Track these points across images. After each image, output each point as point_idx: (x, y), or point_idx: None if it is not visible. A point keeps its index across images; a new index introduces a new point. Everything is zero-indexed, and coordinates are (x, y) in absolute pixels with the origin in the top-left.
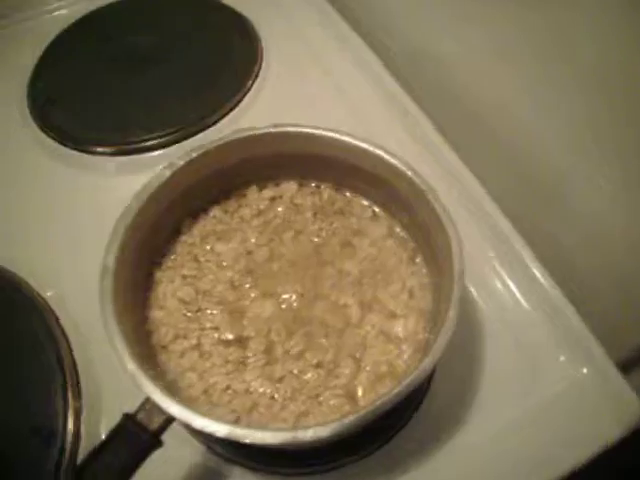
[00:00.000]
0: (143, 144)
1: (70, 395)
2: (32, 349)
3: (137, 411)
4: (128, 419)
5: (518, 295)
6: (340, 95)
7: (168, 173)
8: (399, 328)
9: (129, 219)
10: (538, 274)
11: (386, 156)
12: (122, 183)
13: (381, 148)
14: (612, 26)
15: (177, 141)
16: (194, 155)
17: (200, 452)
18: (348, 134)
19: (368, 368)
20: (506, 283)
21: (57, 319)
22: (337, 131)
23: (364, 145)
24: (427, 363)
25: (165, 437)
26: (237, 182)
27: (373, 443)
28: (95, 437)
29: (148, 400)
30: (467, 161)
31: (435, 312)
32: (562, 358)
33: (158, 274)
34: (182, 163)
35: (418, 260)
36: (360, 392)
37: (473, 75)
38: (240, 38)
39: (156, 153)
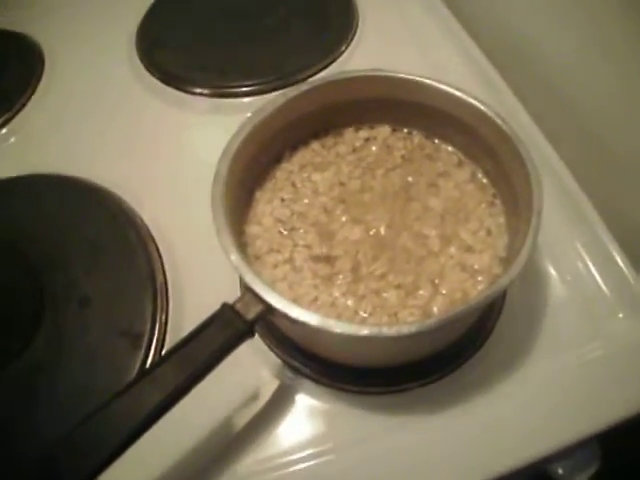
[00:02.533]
0: (238, 89)
1: (159, 304)
2: (125, 258)
3: (235, 301)
4: (227, 307)
5: (584, 255)
6: (430, 64)
7: (281, 101)
8: (475, 261)
9: (242, 136)
10: (603, 236)
11: (476, 102)
12: (215, 123)
13: (473, 96)
14: None
15: (271, 90)
16: (305, 88)
17: (276, 365)
18: (443, 82)
19: (444, 293)
20: (573, 243)
21: (152, 236)
22: (433, 78)
23: (457, 92)
24: (503, 282)
25: (245, 350)
26: (336, 122)
27: (434, 374)
28: None
29: (246, 292)
30: (548, 136)
31: (510, 251)
32: (621, 316)
33: (258, 193)
34: (295, 93)
35: (497, 203)
36: (436, 313)
37: (556, 51)
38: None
39: (249, 99)
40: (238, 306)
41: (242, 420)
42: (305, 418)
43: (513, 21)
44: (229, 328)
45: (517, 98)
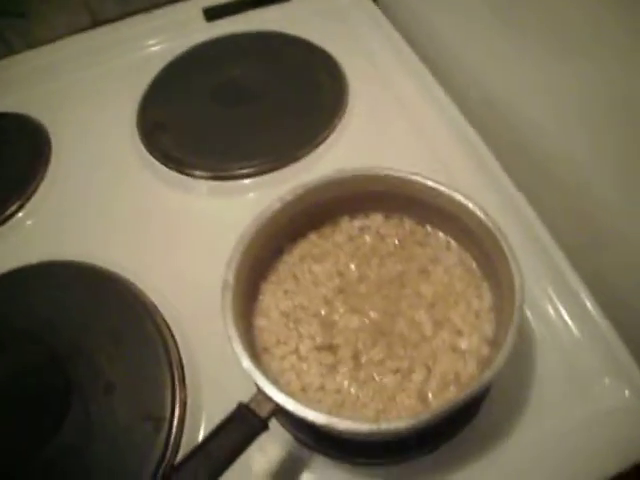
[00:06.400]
0: (236, 172)
1: (177, 386)
2: (143, 344)
3: (250, 400)
4: (242, 407)
5: (568, 320)
6: (418, 137)
7: (279, 205)
8: (465, 344)
9: (246, 242)
10: (588, 303)
11: (460, 198)
12: (214, 205)
13: (459, 192)
14: None
15: (267, 171)
16: (300, 192)
17: (287, 440)
18: (431, 179)
19: (438, 376)
20: (558, 309)
21: (164, 318)
22: (422, 176)
23: (442, 188)
24: (486, 376)
25: None
26: (331, 212)
27: (435, 444)
28: (197, 425)
29: (259, 392)
30: (528, 197)
31: (497, 331)
32: (607, 381)
33: (263, 286)
34: (290, 198)
35: (484, 286)
36: (430, 396)
37: (538, 124)
38: (330, 79)
39: (247, 181)
40: (252, 405)
41: None
42: None
43: (507, 98)
44: (245, 426)
45: (505, 170)
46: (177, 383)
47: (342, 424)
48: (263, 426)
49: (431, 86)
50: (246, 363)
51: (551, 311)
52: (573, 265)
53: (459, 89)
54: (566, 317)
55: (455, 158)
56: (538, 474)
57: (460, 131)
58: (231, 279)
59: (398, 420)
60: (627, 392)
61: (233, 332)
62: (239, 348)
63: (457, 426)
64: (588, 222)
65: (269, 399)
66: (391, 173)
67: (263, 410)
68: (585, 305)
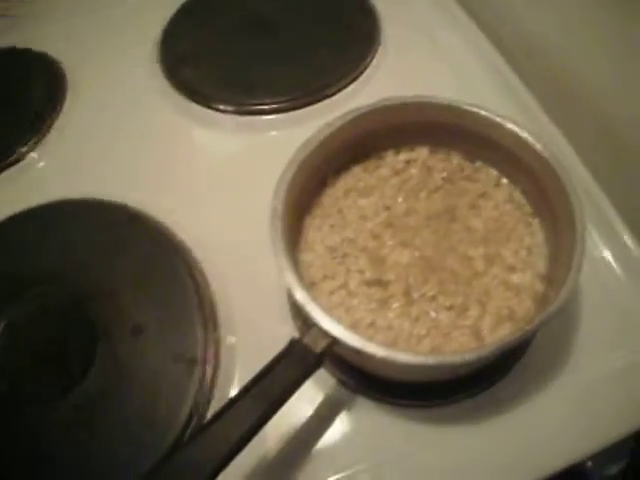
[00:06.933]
0: (264, 107)
1: (209, 328)
2: (172, 283)
3: (302, 336)
4: (295, 342)
5: (611, 261)
6: (453, 75)
7: (328, 131)
8: (518, 280)
9: (294, 169)
10: (629, 242)
11: (517, 129)
12: (240, 141)
13: (513, 121)
14: None
15: (296, 108)
16: (348, 118)
17: (329, 384)
18: (482, 107)
19: (492, 312)
20: (600, 250)
21: (192, 255)
22: (472, 103)
23: (497, 118)
24: (548, 313)
25: None
26: (376, 145)
27: (482, 384)
28: (232, 365)
29: (313, 326)
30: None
31: (551, 268)
32: None
33: (308, 220)
34: (340, 123)
35: (535, 222)
36: (485, 332)
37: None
38: (362, 15)
39: (273, 117)
40: (306, 340)
41: (297, 437)
42: (357, 432)
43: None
44: (300, 362)
45: (540, 105)
46: (209, 322)
47: (402, 357)
48: (317, 362)
49: (467, 25)
50: (300, 295)
51: (595, 252)
52: (614, 205)
53: (493, 26)
54: (609, 257)
55: (493, 99)
56: (583, 418)
57: (498, 70)
58: (280, 207)
59: (463, 353)
60: None
61: (285, 263)
62: (292, 279)
63: (501, 370)
64: (629, 161)
65: (324, 333)
66: (441, 101)
67: (318, 346)
68: (627, 245)
